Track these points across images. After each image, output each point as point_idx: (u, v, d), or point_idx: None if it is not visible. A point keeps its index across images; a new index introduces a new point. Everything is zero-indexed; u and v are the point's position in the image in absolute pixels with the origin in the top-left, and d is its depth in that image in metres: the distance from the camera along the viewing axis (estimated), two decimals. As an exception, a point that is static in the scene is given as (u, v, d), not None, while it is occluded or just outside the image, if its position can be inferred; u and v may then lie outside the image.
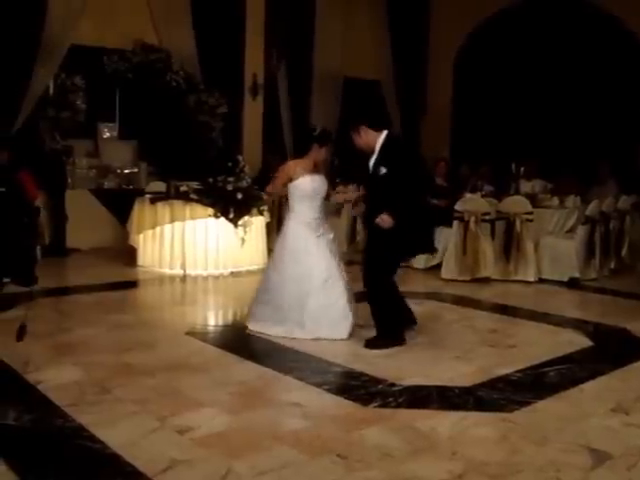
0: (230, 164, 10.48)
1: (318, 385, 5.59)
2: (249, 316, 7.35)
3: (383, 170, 6.57)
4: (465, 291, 9.52)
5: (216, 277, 10.21)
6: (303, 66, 15.30)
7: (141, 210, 10.76)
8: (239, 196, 10.19)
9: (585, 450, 4.46)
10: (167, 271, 10.33)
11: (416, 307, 7.43)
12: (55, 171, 11.66)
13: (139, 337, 6.92)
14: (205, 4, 13.46)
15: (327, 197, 7.31)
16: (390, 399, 5.31)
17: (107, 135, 13.60)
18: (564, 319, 8.10)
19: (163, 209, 10.44)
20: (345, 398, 5.33)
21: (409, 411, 5.11)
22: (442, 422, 4.88)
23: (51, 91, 12.07)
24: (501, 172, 12.47)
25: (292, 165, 7.19)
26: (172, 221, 10.32)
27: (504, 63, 15.72)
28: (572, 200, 11.14)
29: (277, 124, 15.17)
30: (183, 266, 10.23)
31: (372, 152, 6.72)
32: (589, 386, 5.78)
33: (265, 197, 10.34)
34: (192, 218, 10.25)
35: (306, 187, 7.03)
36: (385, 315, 6.76)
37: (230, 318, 8.47)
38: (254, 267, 10.46)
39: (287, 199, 7.35)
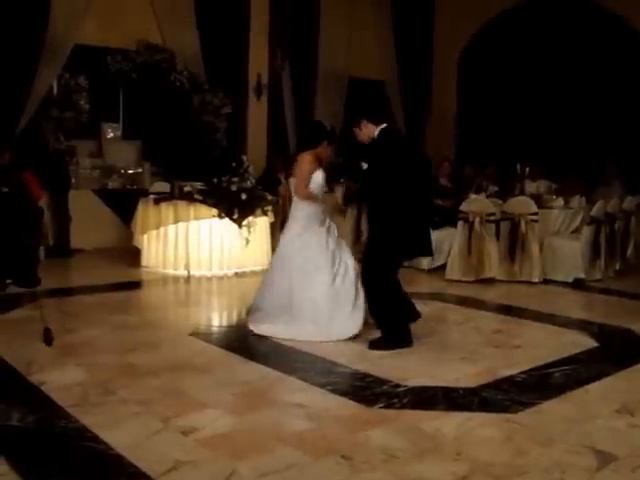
0: (234, 164, 10.47)
1: (322, 386, 5.58)
2: (256, 319, 7.26)
3: (364, 165, 6.53)
4: (470, 292, 9.50)
5: (220, 278, 10.20)
6: (307, 66, 15.29)
7: (145, 210, 10.74)
8: (243, 196, 10.19)
9: (590, 451, 4.45)
10: (171, 272, 10.31)
11: (421, 308, 7.40)
12: (59, 171, 11.64)
13: (143, 338, 6.91)
14: (209, 4, 13.45)
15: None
16: (395, 400, 5.30)
17: (111, 135, 13.58)
18: (569, 320, 8.08)
19: (167, 209, 10.42)
20: (349, 399, 5.32)
21: (414, 412, 5.10)
22: (447, 423, 4.86)
23: (55, 91, 12.07)
24: (506, 172, 12.44)
25: (309, 159, 7.05)
26: (176, 221, 10.30)
27: (509, 63, 15.71)
28: (577, 201, 11.12)
29: (281, 124, 15.16)
30: (187, 267, 10.21)
31: None
32: (594, 387, 5.76)
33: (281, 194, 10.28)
34: (196, 218, 10.23)
35: (320, 180, 7.03)
36: (385, 315, 6.71)
37: (234, 319, 8.44)
38: (258, 268, 10.45)
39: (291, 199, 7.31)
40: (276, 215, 11.39)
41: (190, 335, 7.08)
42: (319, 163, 7.07)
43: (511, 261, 10.19)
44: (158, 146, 13.26)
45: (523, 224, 10.16)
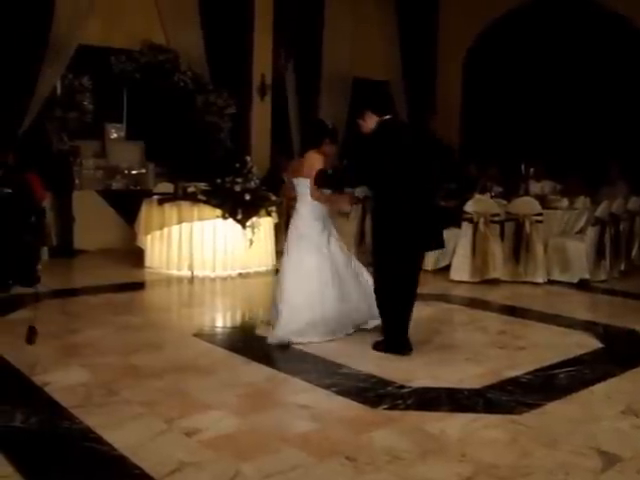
0: (238, 165, 10.46)
1: (326, 387, 5.56)
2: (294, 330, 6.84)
3: (345, 162, 6.44)
4: (474, 292, 9.50)
5: (224, 278, 10.19)
6: (311, 66, 15.28)
7: (149, 211, 10.73)
8: (247, 197, 10.18)
9: (595, 453, 4.43)
10: (175, 272, 10.30)
11: (425, 308, 7.39)
12: (62, 172, 11.63)
13: (146, 339, 6.90)
14: (213, 4, 13.45)
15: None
16: (399, 401, 5.28)
17: (114, 136, 13.57)
18: (574, 321, 8.06)
19: (171, 210, 10.41)
20: (354, 400, 5.30)
21: (418, 413, 5.09)
22: (451, 424, 4.85)
23: (58, 91, 12.09)
24: (510, 173, 12.42)
25: (317, 157, 6.93)
26: (180, 222, 10.30)
27: (513, 63, 15.69)
28: (582, 201, 11.11)
29: (285, 124, 15.15)
30: (191, 267, 10.20)
31: None
32: (599, 388, 5.75)
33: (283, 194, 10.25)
34: (200, 219, 10.22)
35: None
36: (387, 319, 6.64)
37: (238, 320, 8.45)
38: (262, 268, 10.46)
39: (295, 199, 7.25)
40: (280, 216, 11.38)
41: (194, 336, 7.07)
42: (325, 162, 7.03)
43: (516, 262, 10.17)
44: (162, 146, 13.25)
45: (528, 225, 10.14)
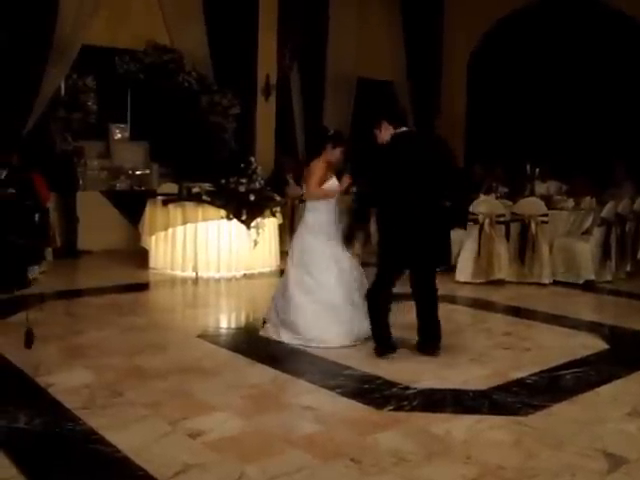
0: (242, 165, 10.46)
1: (331, 388, 5.55)
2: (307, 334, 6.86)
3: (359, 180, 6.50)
4: (479, 293, 9.48)
5: (228, 279, 10.18)
6: (316, 66, 15.29)
7: (153, 212, 10.73)
8: (252, 197, 10.17)
9: (601, 454, 4.42)
10: (179, 273, 10.29)
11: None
12: (66, 172, 11.63)
13: (151, 340, 6.90)
14: (218, 4, 13.46)
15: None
16: (404, 402, 5.27)
17: (119, 136, 13.57)
18: (579, 322, 8.05)
19: (175, 211, 10.41)
20: (359, 401, 5.29)
21: (423, 414, 5.08)
22: (457, 426, 4.84)
23: (62, 92, 12.10)
24: (515, 173, 12.39)
25: (320, 166, 6.95)
26: (184, 223, 10.29)
27: (518, 64, 15.69)
28: (587, 202, 11.08)
29: (290, 125, 15.14)
30: (195, 268, 10.20)
31: None
32: (605, 390, 5.73)
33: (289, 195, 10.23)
34: (204, 220, 10.22)
35: (334, 188, 6.98)
36: (372, 323, 6.62)
37: (242, 321, 8.45)
38: (267, 269, 10.46)
39: (301, 201, 7.25)
40: (284, 216, 11.37)
41: (198, 337, 7.06)
42: (330, 169, 7.02)
43: (521, 262, 10.15)
44: (166, 147, 13.25)
45: (533, 225, 10.12)
